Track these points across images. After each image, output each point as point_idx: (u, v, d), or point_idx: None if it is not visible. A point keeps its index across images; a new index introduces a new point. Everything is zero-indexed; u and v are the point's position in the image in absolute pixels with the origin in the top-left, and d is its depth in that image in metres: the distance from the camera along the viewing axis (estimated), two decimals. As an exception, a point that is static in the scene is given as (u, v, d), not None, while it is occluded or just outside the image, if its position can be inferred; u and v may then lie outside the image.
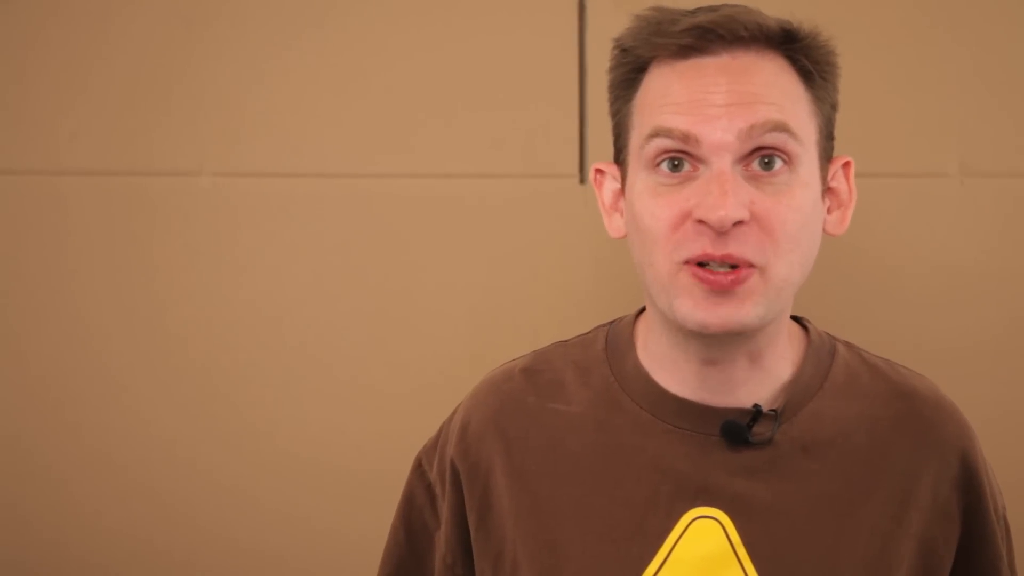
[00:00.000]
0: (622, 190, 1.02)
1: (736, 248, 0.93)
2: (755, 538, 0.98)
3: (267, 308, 1.55)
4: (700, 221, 0.93)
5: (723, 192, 0.92)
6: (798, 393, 1.02)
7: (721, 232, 0.92)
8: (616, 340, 1.07)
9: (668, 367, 1.02)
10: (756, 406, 1.00)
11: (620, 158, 1.02)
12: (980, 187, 1.60)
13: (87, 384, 1.61)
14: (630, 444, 1.02)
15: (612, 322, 1.10)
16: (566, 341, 1.11)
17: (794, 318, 1.07)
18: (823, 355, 1.05)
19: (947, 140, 1.61)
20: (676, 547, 0.98)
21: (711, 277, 0.93)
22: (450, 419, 1.11)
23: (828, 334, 1.07)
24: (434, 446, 1.11)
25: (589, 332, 1.11)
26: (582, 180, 1.60)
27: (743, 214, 0.93)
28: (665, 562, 0.98)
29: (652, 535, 0.98)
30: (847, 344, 1.08)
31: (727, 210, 0.92)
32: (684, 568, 0.97)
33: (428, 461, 1.11)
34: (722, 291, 0.93)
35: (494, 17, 1.60)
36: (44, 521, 1.61)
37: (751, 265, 0.94)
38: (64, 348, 1.59)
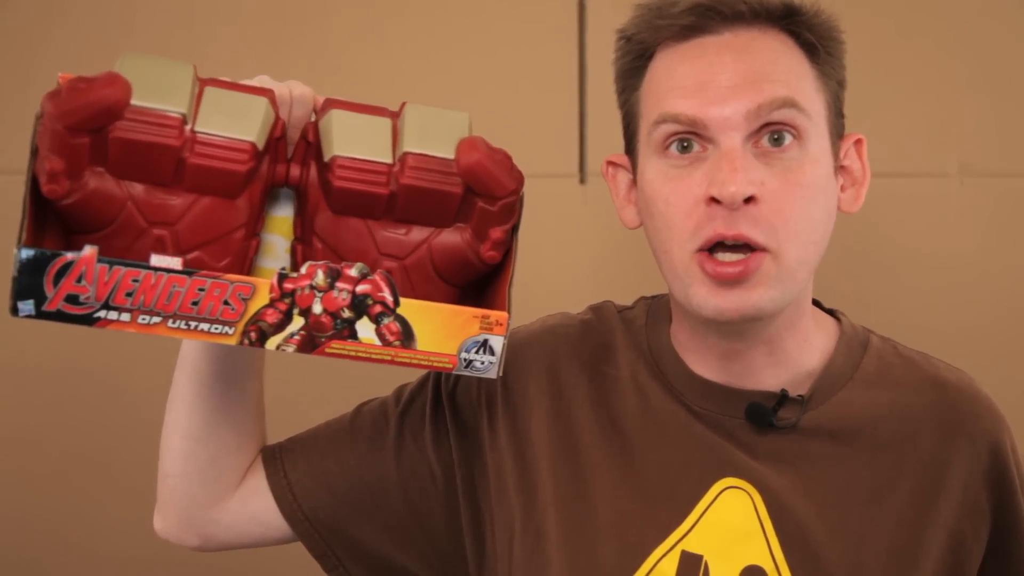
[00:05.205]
0: (634, 180, 1.02)
1: (748, 229, 0.93)
2: (782, 517, 0.98)
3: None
4: (712, 200, 0.93)
5: (733, 168, 0.92)
6: (827, 381, 1.02)
7: (733, 209, 0.93)
8: (656, 315, 1.08)
9: (693, 351, 1.03)
10: (783, 391, 1.00)
11: (630, 148, 1.03)
12: (980, 187, 1.61)
13: (87, 384, 1.61)
14: (666, 411, 1.03)
15: (655, 297, 1.10)
16: (618, 305, 1.11)
17: (827, 310, 1.08)
18: (855, 346, 1.05)
19: (947, 140, 1.61)
20: (706, 513, 0.99)
21: (719, 269, 0.94)
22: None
23: (863, 327, 1.07)
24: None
25: (635, 304, 1.11)
26: (582, 180, 1.61)
27: (753, 190, 0.92)
28: (694, 527, 0.98)
29: (683, 500, 0.99)
30: (882, 337, 1.08)
31: (737, 185, 0.92)
32: (712, 535, 0.98)
33: (448, 378, 1.10)
34: (733, 281, 0.93)
35: (494, 17, 1.61)
36: (44, 521, 1.62)
37: (764, 249, 0.94)
38: (64, 348, 1.60)
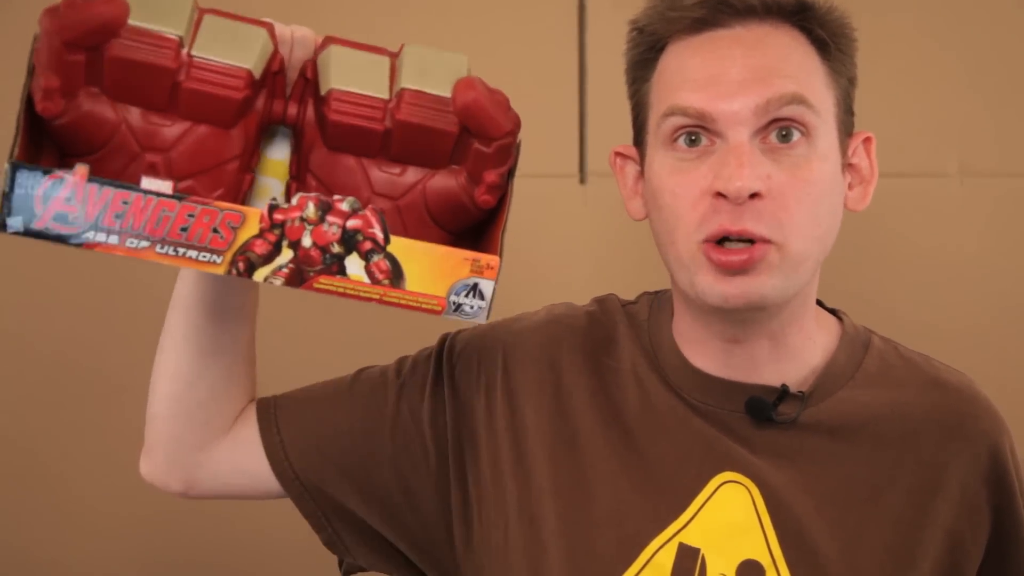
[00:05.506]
0: (641, 172, 1.03)
1: (752, 224, 0.93)
2: (780, 513, 0.98)
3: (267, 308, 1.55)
4: (718, 194, 0.93)
5: (740, 164, 0.92)
6: (828, 379, 1.02)
7: (738, 204, 0.93)
8: (658, 310, 1.08)
9: (695, 344, 1.03)
10: (783, 386, 1.00)
11: (639, 139, 1.03)
12: (980, 187, 1.61)
13: (87, 384, 1.61)
14: (665, 405, 1.03)
15: (658, 292, 1.10)
16: (621, 299, 1.12)
17: (830, 310, 1.08)
18: (857, 345, 1.05)
19: (947, 140, 1.61)
20: (704, 508, 0.99)
21: (724, 258, 0.94)
22: (503, 325, 1.10)
23: (864, 327, 1.08)
24: (476, 340, 1.09)
25: (638, 298, 1.11)
26: (582, 180, 1.61)
27: (759, 185, 0.92)
28: (692, 520, 0.98)
29: (682, 493, 0.99)
30: (883, 338, 1.08)
31: (744, 180, 0.92)
32: (709, 529, 0.98)
33: (452, 347, 1.09)
34: (738, 269, 0.94)
35: (494, 17, 1.61)
36: (44, 521, 1.62)
37: (767, 241, 0.94)
38: (64, 348, 1.60)
